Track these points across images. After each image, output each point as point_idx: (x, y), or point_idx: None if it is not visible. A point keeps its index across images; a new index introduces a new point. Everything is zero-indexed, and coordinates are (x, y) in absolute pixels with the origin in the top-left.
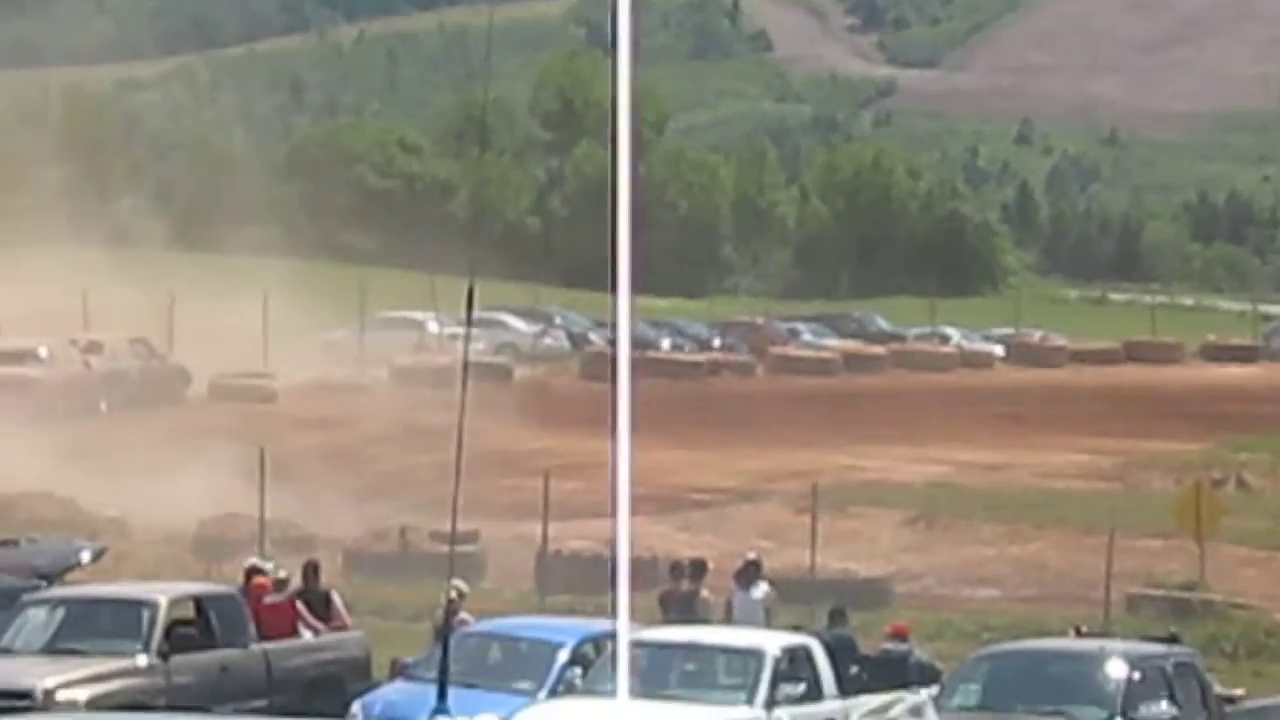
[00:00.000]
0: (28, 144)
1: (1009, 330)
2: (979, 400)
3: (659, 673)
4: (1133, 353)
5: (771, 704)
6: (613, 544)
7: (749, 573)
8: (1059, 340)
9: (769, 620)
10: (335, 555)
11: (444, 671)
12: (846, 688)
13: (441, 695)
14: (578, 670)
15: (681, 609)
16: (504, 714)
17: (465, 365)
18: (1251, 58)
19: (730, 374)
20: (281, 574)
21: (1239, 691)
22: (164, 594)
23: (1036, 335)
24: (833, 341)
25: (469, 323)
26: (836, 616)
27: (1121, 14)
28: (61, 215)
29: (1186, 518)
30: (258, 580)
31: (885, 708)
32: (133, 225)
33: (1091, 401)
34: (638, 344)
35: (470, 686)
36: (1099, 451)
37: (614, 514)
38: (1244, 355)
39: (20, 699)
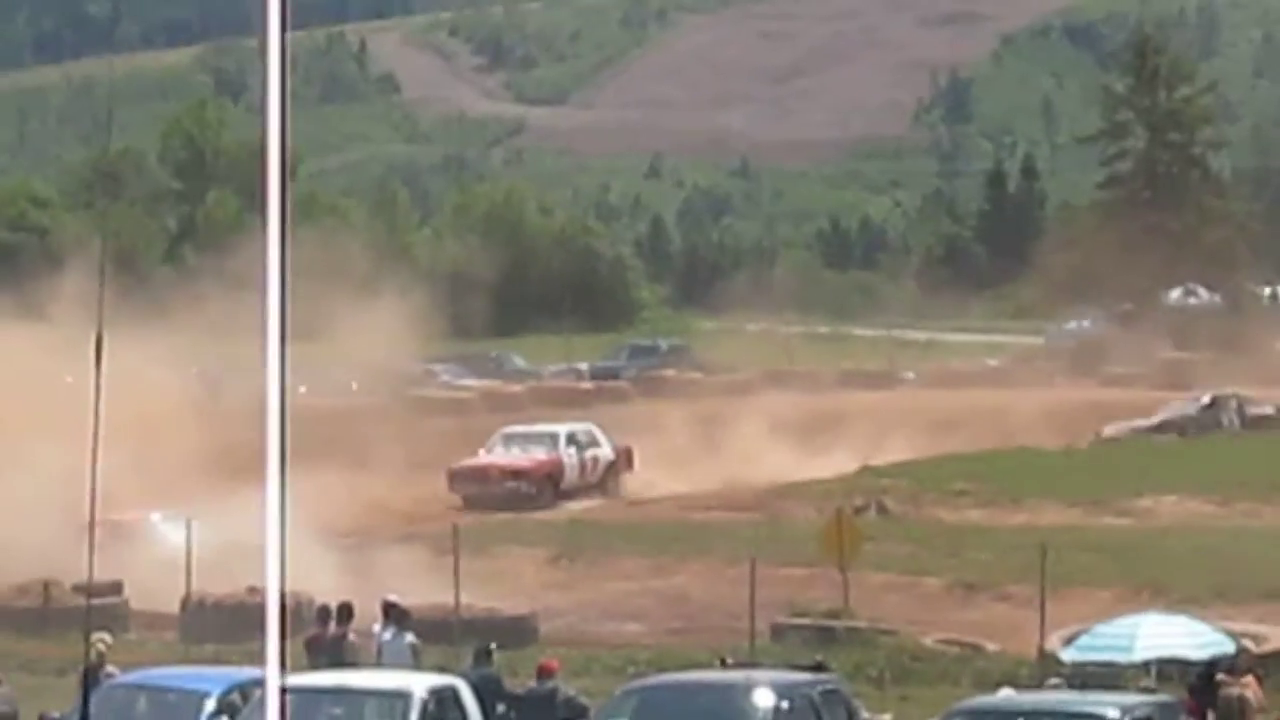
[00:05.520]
0: None
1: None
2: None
3: (307, 718)
4: (772, 381)
5: None
6: (263, 588)
7: (393, 614)
8: (696, 373)
9: (417, 662)
10: None
11: None
12: None
13: None
14: (224, 719)
15: (329, 653)
16: None
17: (96, 419)
18: (880, 85)
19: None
20: None
21: (886, 717)
22: None
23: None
24: (470, 381)
25: (98, 374)
26: (481, 656)
27: (748, 45)
28: None
29: (829, 545)
30: None
31: None
32: None
33: (732, 431)
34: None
35: None
36: (739, 481)
37: (265, 558)
38: (881, 382)
39: None
